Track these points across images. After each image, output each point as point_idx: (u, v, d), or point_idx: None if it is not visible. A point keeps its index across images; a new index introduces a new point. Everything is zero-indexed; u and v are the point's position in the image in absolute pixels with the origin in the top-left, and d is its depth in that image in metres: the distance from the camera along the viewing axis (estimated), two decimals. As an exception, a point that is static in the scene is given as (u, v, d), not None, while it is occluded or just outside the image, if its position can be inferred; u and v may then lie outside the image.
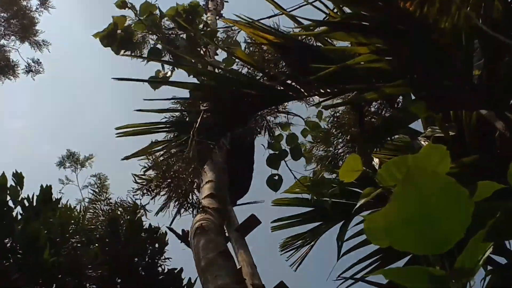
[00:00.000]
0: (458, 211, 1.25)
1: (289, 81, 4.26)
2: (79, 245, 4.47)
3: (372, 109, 4.60)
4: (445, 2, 3.10)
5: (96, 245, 4.56)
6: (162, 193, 4.91)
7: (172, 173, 4.91)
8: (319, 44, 4.03)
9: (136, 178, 4.77)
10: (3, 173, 4.37)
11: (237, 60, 5.04)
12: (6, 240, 4.08)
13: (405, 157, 1.73)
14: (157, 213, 5.07)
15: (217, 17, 8.68)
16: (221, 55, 6.39)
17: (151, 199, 4.87)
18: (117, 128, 4.58)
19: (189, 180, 4.95)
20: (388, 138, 4.49)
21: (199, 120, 4.60)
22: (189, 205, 5.16)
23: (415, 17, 3.16)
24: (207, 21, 6.95)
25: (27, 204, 4.42)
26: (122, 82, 4.42)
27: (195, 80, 5.10)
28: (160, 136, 4.92)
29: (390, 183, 1.73)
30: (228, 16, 9.38)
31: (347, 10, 3.65)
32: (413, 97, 3.86)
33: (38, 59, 15.44)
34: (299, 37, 4.09)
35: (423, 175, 1.27)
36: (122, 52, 6.54)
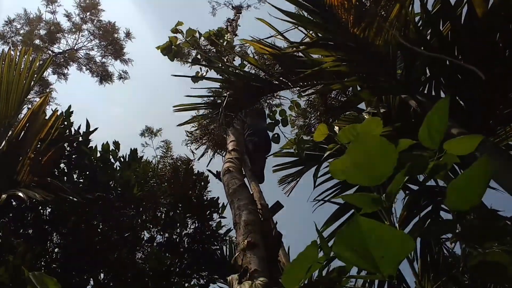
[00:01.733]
0: (388, 158, 1.22)
1: (281, 78, 4.28)
2: (154, 184, 4.51)
3: (333, 96, 4.63)
4: (379, 27, 3.10)
5: (165, 184, 4.61)
6: (203, 142, 5.04)
7: (209, 131, 5.02)
8: (301, 54, 4.02)
9: (188, 133, 4.89)
10: (107, 142, 4.40)
11: (248, 64, 5.02)
12: (110, 182, 4.14)
13: (355, 125, 1.67)
14: (199, 158, 5.20)
15: (234, 36, 8.59)
16: (237, 61, 6.37)
17: (196, 148, 5.00)
18: (174, 106, 4.66)
19: (220, 136, 5.05)
20: (343, 114, 4.48)
21: (224, 101, 4.66)
22: (219, 151, 5.28)
23: (361, 38, 3.16)
24: (228, 39, 6.88)
25: (122, 160, 4.47)
26: (178, 78, 4.50)
27: (221, 77, 5.12)
28: (201, 112, 5.01)
29: (345, 141, 1.69)
30: (242, 35, 9.34)
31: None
32: (359, 88, 3.90)
33: (126, 70, 15.81)
34: (289, 50, 4.07)
35: (367, 136, 1.24)
36: (175, 60, 6.58)
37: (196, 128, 4.75)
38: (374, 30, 3.08)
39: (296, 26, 3.76)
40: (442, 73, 3.18)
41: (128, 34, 15.34)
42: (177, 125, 4.72)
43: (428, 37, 3.19)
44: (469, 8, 2.75)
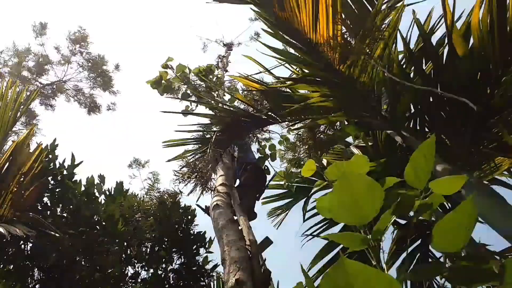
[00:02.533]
0: (375, 198, 1.22)
1: (270, 113, 4.32)
2: (140, 218, 4.45)
3: (321, 129, 4.68)
4: (364, 65, 3.18)
5: (151, 218, 4.55)
6: (191, 181, 4.98)
7: (197, 169, 4.98)
8: (288, 90, 4.08)
9: (175, 172, 4.84)
10: (92, 175, 4.35)
11: (237, 99, 5.07)
12: (94, 217, 4.07)
13: (342, 163, 1.65)
14: (188, 194, 5.12)
15: (224, 72, 8.71)
16: (227, 97, 6.42)
17: (185, 185, 4.95)
18: (163, 142, 4.67)
19: (208, 173, 5.01)
20: (331, 147, 4.53)
21: (213, 136, 4.68)
22: (208, 189, 5.22)
23: (346, 75, 3.24)
24: (218, 75, 6.97)
25: (107, 193, 4.40)
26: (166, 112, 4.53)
27: (211, 112, 5.15)
28: (190, 147, 5.01)
29: (333, 178, 1.66)
30: (233, 69, 9.53)
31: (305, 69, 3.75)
32: (346, 123, 3.96)
33: (114, 102, 16.01)
34: (276, 86, 4.14)
35: (353, 176, 1.25)
36: (164, 94, 6.62)
37: (184, 165, 4.72)
38: (359, 67, 3.17)
39: (282, 63, 3.85)
40: (426, 110, 3.25)
41: (117, 67, 15.49)
42: (166, 161, 4.72)
43: (412, 75, 3.28)
44: (450, 48, 2.84)
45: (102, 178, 4.33)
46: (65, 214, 3.99)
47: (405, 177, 1.39)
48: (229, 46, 10.87)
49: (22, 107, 3.92)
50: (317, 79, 3.47)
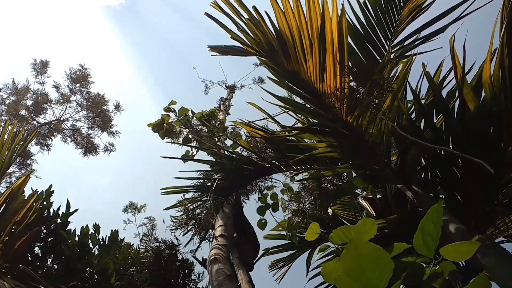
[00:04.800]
0: (383, 269, 1.21)
1: (274, 161, 4.38)
2: (134, 272, 4.37)
3: (328, 178, 4.68)
4: (372, 116, 3.23)
5: (146, 271, 4.48)
6: (189, 229, 4.95)
7: (196, 217, 4.96)
8: (293, 138, 4.14)
9: (173, 218, 4.83)
10: (87, 225, 4.32)
11: (240, 146, 5.12)
12: (87, 269, 4.00)
13: (348, 228, 1.66)
14: (186, 244, 5.07)
15: (226, 115, 8.85)
16: (229, 141, 6.47)
17: (183, 234, 4.91)
18: (162, 189, 4.69)
19: (207, 222, 4.98)
20: (338, 199, 4.51)
21: (214, 184, 4.70)
22: (207, 239, 5.17)
23: (353, 126, 3.29)
24: (220, 118, 7.07)
25: (101, 243, 4.34)
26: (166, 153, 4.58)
27: (212, 158, 5.20)
28: (189, 195, 5.03)
29: (338, 242, 1.68)
30: (235, 113, 9.68)
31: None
32: (354, 174, 3.97)
33: (112, 143, 16.05)
34: (281, 134, 4.20)
35: (360, 244, 1.24)
36: (166, 138, 6.70)
37: (182, 213, 4.71)
38: (368, 119, 3.21)
39: (287, 111, 3.94)
40: (437, 164, 3.27)
41: (117, 107, 15.76)
42: (164, 209, 4.73)
43: (422, 127, 3.33)
44: (461, 102, 2.90)
45: (97, 228, 4.32)
46: (56, 266, 3.93)
47: (414, 245, 1.41)
48: (231, 89, 11.13)
49: (18, 147, 3.99)
50: (324, 129, 3.53)
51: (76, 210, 4.27)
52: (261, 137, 4.26)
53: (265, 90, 3.73)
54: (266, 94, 3.72)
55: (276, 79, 3.60)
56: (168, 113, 6.46)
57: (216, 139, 6.14)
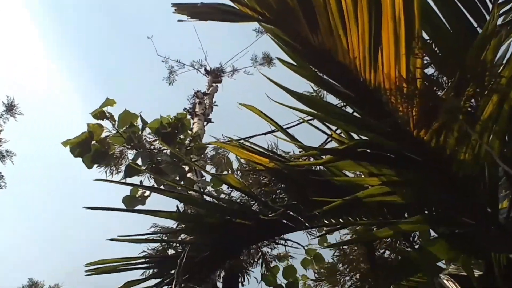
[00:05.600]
0: None
1: (288, 211, 4.27)
2: None
3: (385, 242, 4.60)
4: (464, 130, 3.15)
5: None
6: None
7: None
8: (322, 169, 4.08)
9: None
10: None
11: (228, 185, 5.04)
12: None
13: None
14: None
15: (206, 122, 8.81)
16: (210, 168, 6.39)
17: None
18: (87, 265, 4.56)
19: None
20: (404, 277, 4.39)
21: (184, 254, 4.59)
22: None
23: (430, 146, 3.22)
24: (194, 130, 7.02)
25: None
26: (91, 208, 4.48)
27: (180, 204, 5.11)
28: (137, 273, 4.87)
29: None
30: (220, 121, 9.62)
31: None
32: (432, 234, 3.90)
33: (2, 174, 15.47)
34: (300, 162, 4.14)
35: None
36: (95, 166, 6.57)
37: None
38: (456, 135, 3.14)
39: (311, 119, 3.88)
40: None
41: (10, 108, 15.58)
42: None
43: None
44: None
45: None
46: None
47: None
48: (215, 75, 11.02)
49: None
50: (378, 152, 3.48)
51: None
52: (265, 168, 4.18)
53: (273, 81, 3.65)
54: (275, 89, 3.65)
55: (293, 62, 3.55)
56: (100, 121, 6.41)
57: (186, 168, 6.09)
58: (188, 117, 7.29)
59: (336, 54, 3.28)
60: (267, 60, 11.29)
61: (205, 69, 11.23)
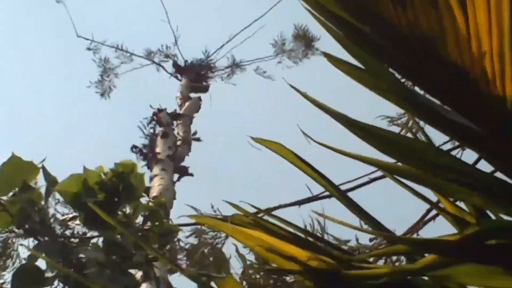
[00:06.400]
0: None
1: None
2: None
3: None
4: None
5: None
6: None
7: None
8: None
9: None
10: None
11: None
12: None
13: None
14: None
15: (177, 177, 6.21)
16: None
17: None
18: None
19: None
20: None
21: None
22: None
23: None
24: (153, 187, 5.09)
25: None
26: None
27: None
28: None
29: None
30: (201, 175, 6.59)
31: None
32: None
33: None
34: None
35: None
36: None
37: None
38: None
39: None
40: None
41: None
42: None
43: None
44: None
45: None
46: None
47: None
48: (195, 75, 7.76)
49: None
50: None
51: None
52: (300, 267, 2.58)
53: (326, 108, 2.23)
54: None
55: (351, 59, 2.34)
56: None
57: (138, 275, 4.36)
58: (141, 167, 5.15)
59: (444, 47, 1.88)
60: (306, 41, 7.57)
61: (175, 64, 8.10)
